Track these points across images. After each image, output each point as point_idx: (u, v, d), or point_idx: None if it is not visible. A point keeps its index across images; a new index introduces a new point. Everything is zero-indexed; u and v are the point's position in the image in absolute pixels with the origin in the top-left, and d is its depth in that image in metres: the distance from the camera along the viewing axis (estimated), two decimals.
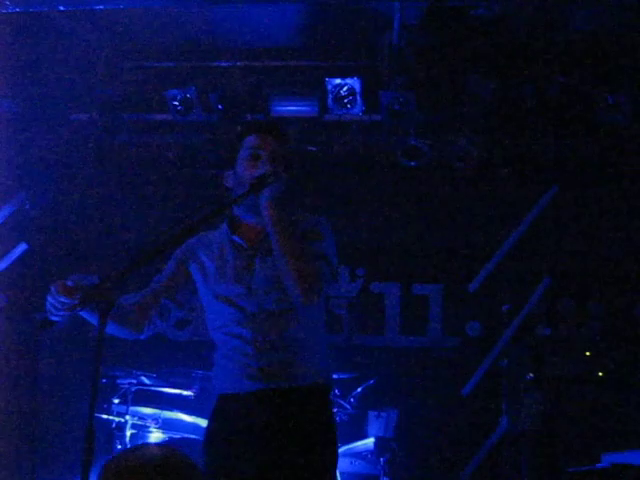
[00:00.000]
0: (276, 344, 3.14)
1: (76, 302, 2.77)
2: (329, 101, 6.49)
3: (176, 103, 6.56)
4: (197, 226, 3.02)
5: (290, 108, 6.66)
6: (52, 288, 2.80)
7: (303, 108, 6.68)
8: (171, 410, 6.04)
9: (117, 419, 5.83)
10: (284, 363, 3.14)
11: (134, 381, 5.92)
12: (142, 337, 3.26)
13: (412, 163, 6.76)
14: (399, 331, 7.28)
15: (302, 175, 6.71)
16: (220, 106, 6.64)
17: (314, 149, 6.85)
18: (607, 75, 6.28)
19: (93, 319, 2.87)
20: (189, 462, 1.99)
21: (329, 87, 6.44)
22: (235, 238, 3.27)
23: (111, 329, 3.00)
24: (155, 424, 5.94)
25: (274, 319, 3.15)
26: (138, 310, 3.22)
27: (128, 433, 5.78)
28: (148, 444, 2.04)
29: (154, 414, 6.00)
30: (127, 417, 5.80)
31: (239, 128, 3.43)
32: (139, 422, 5.89)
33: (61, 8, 5.38)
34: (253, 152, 3.22)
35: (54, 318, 2.81)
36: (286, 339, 3.15)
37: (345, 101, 6.47)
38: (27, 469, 6.68)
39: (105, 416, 5.84)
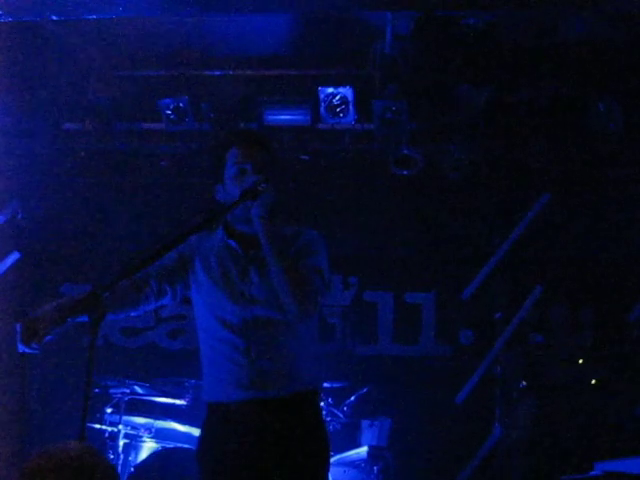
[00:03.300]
0: (270, 354, 3.14)
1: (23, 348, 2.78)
2: (321, 110, 6.49)
3: (169, 112, 6.55)
4: (188, 235, 3.02)
5: (282, 117, 6.67)
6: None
7: (295, 117, 6.68)
8: (164, 419, 6.00)
9: (110, 429, 5.80)
10: (277, 373, 3.14)
11: (127, 390, 5.88)
12: (138, 313, 3.24)
13: (404, 172, 6.77)
14: (392, 339, 7.28)
15: (294, 184, 6.72)
16: (212, 115, 6.64)
17: (306, 158, 6.86)
18: (598, 82, 6.31)
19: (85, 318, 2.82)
20: (105, 461, 1.97)
21: (321, 96, 6.45)
22: (231, 242, 3.27)
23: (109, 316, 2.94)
24: (148, 434, 5.91)
25: (268, 328, 3.15)
26: (132, 288, 3.16)
27: (121, 443, 5.75)
28: (66, 443, 1.99)
29: (147, 423, 5.96)
30: (120, 427, 5.77)
31: (222, 138, 3.41)
32: (132, 432, 5.86)
33: (53, 17, 5.36)
34: (239, 167, 3.21)
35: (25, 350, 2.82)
36: (280, 349, 3.15)
37: (337, 110, 6.48)
38: None
39: (98, 426, 5.81)
